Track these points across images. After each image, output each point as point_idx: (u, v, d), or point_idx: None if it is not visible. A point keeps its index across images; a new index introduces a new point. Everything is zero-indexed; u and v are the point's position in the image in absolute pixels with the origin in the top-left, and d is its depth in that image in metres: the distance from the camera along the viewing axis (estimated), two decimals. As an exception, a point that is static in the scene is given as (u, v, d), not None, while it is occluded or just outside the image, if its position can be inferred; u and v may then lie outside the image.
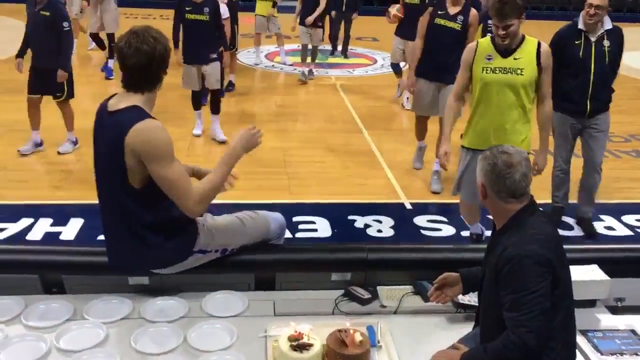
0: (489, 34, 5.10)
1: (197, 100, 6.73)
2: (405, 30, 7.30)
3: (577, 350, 2.31)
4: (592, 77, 4.45)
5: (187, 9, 6.22)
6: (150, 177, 2.45)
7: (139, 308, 2.68)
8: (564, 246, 2.26)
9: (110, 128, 2.45)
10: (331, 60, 11.27)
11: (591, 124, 4.60)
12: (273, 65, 10.70)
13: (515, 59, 3.65)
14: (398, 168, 6.02)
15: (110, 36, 8.83)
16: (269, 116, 7.89)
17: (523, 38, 3.68)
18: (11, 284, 2.75)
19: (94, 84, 8.51)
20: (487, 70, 3.69)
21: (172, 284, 2.79)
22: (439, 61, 5.30)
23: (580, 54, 4.44)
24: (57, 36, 5.63)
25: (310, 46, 9.41)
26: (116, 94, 2.58)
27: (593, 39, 4.43)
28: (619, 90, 4.91)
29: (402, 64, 8.10)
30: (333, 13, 10.69)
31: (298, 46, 12.37)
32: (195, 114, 6.78)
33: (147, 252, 2.60)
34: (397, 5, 7.46)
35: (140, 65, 2.42)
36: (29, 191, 5.26)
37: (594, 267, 2.80)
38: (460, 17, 5.27)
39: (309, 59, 9.54)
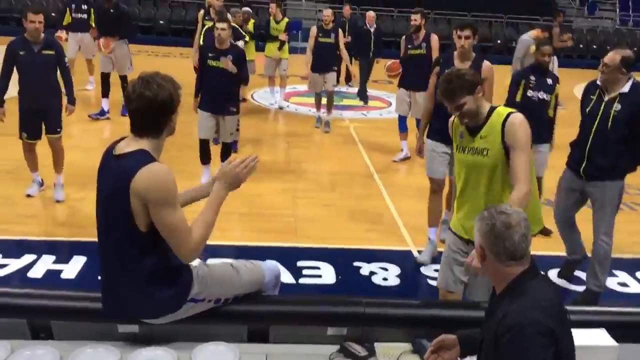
0: (530, 92, 5.25)
1: (205, 153, 6.40)
2: (409, 80, 7.23)
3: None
4: (591, 138, 4.22)
5: (209, 55, 6.14)
6: (153, 222, 2.44)
7: (126, 358, 2.59)
8: (569, 307, 2.16)
9: (116, 171, 2.45)
10: (345, 102, 11.33)
11: (590, 189, 4.32)
12: (288, 106, 10.77)
13: (480, 137, 3.15)
14: (407, 214, 5.93)
15: (124, 78, 8.84)
16: (279, 156, 7.90)
17: (491, 112, 3.16)
18: (-2, 327, 2.70)
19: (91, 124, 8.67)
20: (459, 149, 3.28)
21: (163, 333, 2.71)
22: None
23: (588, 109, 4.28)
24: (61, 73, 5.67)
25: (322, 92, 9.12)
26: (124, 137, 2.59)
27: (606, 98, 4.20)
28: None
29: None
30: (353, 60, 10.33)
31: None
32: (202, 168, 6.41)
33: (142, 301, 2.56)
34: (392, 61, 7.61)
35: (142, 111, 2.44)
36: (35, 227, 5.26)
37: (601, 332, 2.67)
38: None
39: (324, 100, 9.21)
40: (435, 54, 6.87)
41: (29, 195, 5.83)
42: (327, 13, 8.88)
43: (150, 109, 2.43)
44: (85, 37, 9.65)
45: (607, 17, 24.24)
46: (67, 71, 5.78)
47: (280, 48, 9.86)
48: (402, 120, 7.71)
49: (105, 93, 8.90)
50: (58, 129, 5.78)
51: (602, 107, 4.20)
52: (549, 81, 5.38)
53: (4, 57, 5.51)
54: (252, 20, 9.98)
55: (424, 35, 7.10)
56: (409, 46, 7.16)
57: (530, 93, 5.28)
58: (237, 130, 7.03)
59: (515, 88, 5.34)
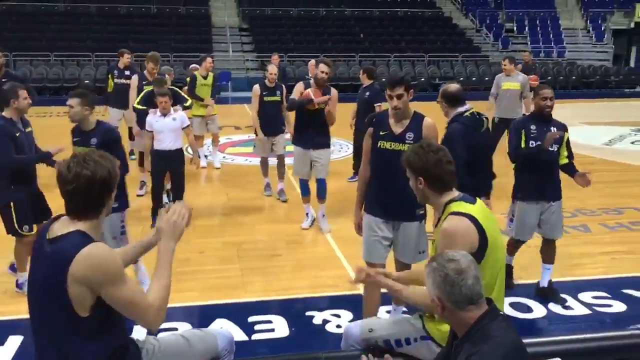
0: (532, 144, 4.78)
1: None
2: (312, 136, 6.65)
3: None
4: None
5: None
6: (97, 304, 2.27)
7: None
8: (527, 340, 2.19)
9: (51, 257, 2.27)
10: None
11: None
12: (224, 157, 10.69)
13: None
14: (354, 257, 5.92)
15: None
16: (222, 209, 7.78)
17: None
18: None
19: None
20: None
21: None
22: (386, 195, 4.11)
23: None
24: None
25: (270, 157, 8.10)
26: (58, 217, 2.43)
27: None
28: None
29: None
30: (353, 122, 8.66)
31: (249, 136, 12.54)
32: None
33: None
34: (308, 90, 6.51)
35: (81, 191, 2.29)
36: (19, 305, 4.90)
37: (558, 361, 2.73)
38: (409, 135, 4.03)
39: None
40: (333, 106, 6.43)
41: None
42: (273, 70, 7.81)
43: (89, 189, 2.29)
44: None
45: (520, 50, 25.74)
46: None
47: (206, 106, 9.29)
48: (303, 183, 6.84)
49: None
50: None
51: None
52: (553, 129, 4.78)
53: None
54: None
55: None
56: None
57: (532, 144, 4.79)
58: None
59: (516, 138, 4.85)
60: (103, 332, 2.33)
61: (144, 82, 8.23)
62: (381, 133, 4.08)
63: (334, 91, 6.60)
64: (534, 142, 4.77)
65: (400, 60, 23.67)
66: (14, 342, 4.34)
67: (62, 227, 2.34)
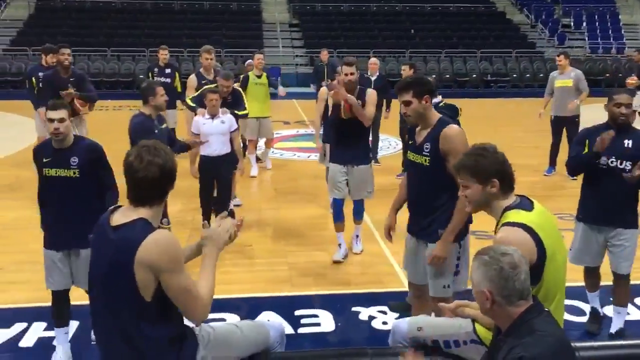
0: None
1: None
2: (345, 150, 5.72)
3: None
4: None
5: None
6: (158, 290, 2.37)
7: None
8: (577, 344, 2.14)
9: (117, 244, 2.38)
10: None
11: None
12: (272, 151, 10.76)
13: None
14: (400, 254, 5.88)
15: None
16: (269, 203, 7.86)
17: None
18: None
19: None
20: None
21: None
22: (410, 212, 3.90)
23: None
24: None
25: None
26: (117, 207, 2.54)
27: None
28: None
29: None
30: (387, 115, 9.02)
31: (297, 131, 12.61)
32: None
33: None
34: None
35: (152, 178, 2.39)
36: (23, 293, 5.13)
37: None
38: (426, 146, 3.63)
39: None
40: (370, 109, 5.45)
41: None
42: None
43: (160, 177, 2.40)
44: None
45: (577, 46, 24.96)
46: None
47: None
48: (337, 204, 5.83)
49: None
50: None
51: None
52: (628, 143, 3.99)
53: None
54: None
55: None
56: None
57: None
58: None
59: (576, 148, 4.26)
60: (165, 317, 2.43)
61: (203, 82, 7.59)
62: (410, 142, 3.85)
63: (370, 92, 5.55)
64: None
65: (451, 57, 23.32)
66: (71, 326, 4.50)
67: (124, 215, 2.44)
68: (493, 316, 2.19)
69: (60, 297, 4.08)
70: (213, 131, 6.04)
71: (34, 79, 8.02)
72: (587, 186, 4.26)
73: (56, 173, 3.86)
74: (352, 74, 5.45)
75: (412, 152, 3.72)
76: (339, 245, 5.86)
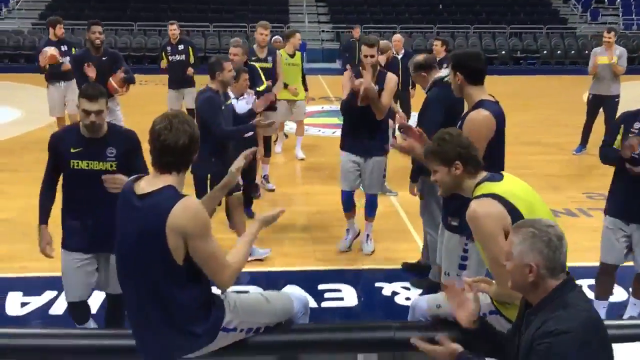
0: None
1: None
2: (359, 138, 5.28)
3: None
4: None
5: None
6: (188, 254, 2.43)
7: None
8: (608, 322, 2.12)
9: (146, 211, 2.43)
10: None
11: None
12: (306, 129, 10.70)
13: None
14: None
15: None
16: (294, 178, 7.87)
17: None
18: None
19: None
20: None
21: (193, 367, 2.67)
22: None
23: None
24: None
25: None
26: (140, 177, 2.58)
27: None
28: None
29: None
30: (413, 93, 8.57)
31: (322, 107, 12.54)
32: None
33: (180, 337, 2.52)
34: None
35: (183, 145, 2.44)
36: (54, 262, 5.22)
37: (641, 346, 2.59)
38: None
39: None
40: (386, 98, 5.05)
41: None
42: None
43: (188, 144, 2.45)
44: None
45: (611, 22, 24.25)
46: None
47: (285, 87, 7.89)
48: (346, 196, 5.43)
49: None
50: None
51: None
52: None
53: None
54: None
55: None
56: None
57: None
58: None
59: (610, 134, 3.98)
60: (195, 281, 2.50)
61: (253, 58, 6.96)
62: None
63: (389, 79, 5.11)
64: None
65: (480, 32, 22.89)
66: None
67: (150, 184, 2.48)
68: (528, 290, 2.14)
69: (81, 306, 3.66)
70: (239, 111, 5.62)
71: None
72: (617, 177, 3.94)
73: (88, 166, 3.40)
74: (372, 56, 4.97)
75: None
76: (347, 230, 5.51)
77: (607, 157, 3.96)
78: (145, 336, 2.56)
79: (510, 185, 2.69)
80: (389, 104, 5.17)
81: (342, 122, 5.48)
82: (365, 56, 4.98)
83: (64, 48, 7.74)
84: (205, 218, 2.45)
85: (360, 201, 5.60)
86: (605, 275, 4.11)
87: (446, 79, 4.32)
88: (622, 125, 3.82)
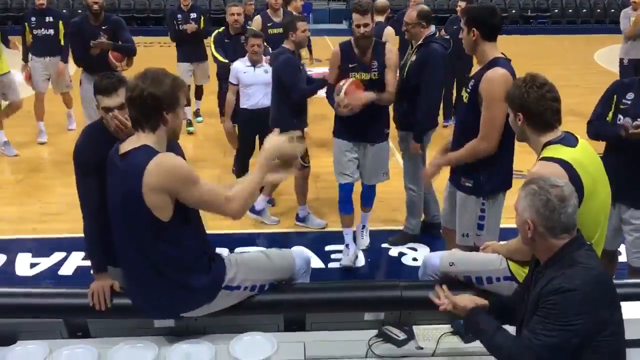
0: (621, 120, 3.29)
1: None
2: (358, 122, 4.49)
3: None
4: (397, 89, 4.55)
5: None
6: (176, 209, 2.42)
7: (164, 352, 2.59)
8: (617, 281, 2.12)
9: (124, 171, 2.42)
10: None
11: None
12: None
13: None
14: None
15: None
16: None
17: None
18: (36, 328, 2.70)
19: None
20: None
21: (199, 326, 2.70)
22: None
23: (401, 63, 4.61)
24: None
25: None
26: (128, 137, 2.56)
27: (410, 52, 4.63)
28: None
29: None
30: None
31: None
32: None
33: (174, 294, 2.53)
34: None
35: (149, 101, 2.38)
36: (63, 224, 5.27)
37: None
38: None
39: None
40: (390, 78, 4.33)
41: None
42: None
43: (152, 100, 2.37)
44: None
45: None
46: None
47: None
48: (344, 190, 4.64)
49: None
50: None
51: (406, 61, 4.52)
52: None
53: None
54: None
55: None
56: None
57: (619, 120, 3.32)
58: None
59: (602, 104, 3.48)
60: (186, 238, 2.49)
61: (268, 25, 6.70)
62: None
63: (389, 52, 4.34)
64: (622, 117, 3.28)
65: (489, -9, 22.37)
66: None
67: (130, 143, 2.47)
68: (533, 247, 2.16)
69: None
70: (254, 81, 5.35)
71: (27, 25, 7.06)
72: (608, 151, 3.43)
73: None
74: (365, 25, 4.16)
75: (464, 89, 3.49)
76: (347, 245, 4.67)
77: (600, 133, 3.42)
78: (143, 292, 2.58)
79: (582, 153, 2.53)
80: (395, 84, 4.39)
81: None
82: (358, 26, 4.16)
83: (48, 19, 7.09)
84: (183, 170, 2.38)
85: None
86: (603, 260, 3.89)
87: (436, 35, 4.39)
88: (615, 96, 3.40)
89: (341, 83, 4.22)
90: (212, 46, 6.61)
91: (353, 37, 4.31)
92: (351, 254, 4.62)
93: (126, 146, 2.46)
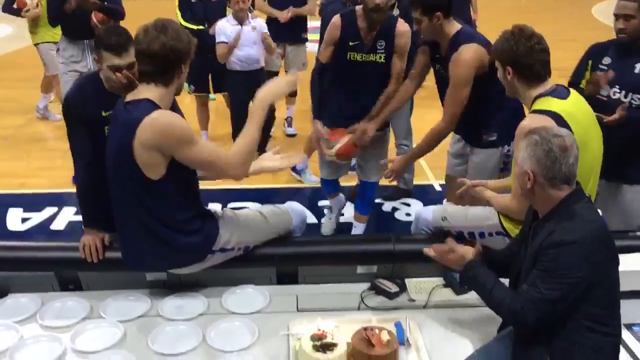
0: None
1: None
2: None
3: (621, 346, 2.16)
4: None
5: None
6: (168, 169, 2.36)
7: (156, 305, 2.60)
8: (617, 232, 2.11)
9: (122, 121, 2.36)
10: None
11: None
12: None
13: None
14: (439, 168, 5.73)
15: None
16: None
17: None
18: (27, 281, 2.70)
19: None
20: None
21: (191, 279, 2.70)
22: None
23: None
24: None
25: None
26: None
27: None
28: None
29: None
30: None
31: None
32: None
33: (164, 251, 2.49)
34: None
35: (157, 53, 2.29)
36: (54, 179, 5.23)
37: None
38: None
39: None
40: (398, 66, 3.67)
41: None
42: None
43: (162, 52, 2.30)
44: None
45: None
46: None
47: None
48: (328, 185, 4.28)
49: None
50: None
51: None
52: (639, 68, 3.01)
53: None
54: None
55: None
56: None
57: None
58: None
59: (578, 68, 3.29)
60: (177, 196, 2.43)
61: None
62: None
63: (400, 37, 3.58)
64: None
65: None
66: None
67: (134, 94, 2.41)
68: (532, 199, 2.13)
69: None
70: (242, 40, 5.07)
71: None
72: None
73: None
74: (381, 2, 3.42)
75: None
76: (329, 209, 4.32)
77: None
78: (133, 248, 2.54)
79: (573, 105, 2.49)
80: (403, 70, 3.69)
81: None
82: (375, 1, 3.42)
83: None
84: (178, 127, 2.30)
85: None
86: None
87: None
88: (590, 61, 3.20)
89: (335, 140, 3.69)
90: (178, 12, 5.50)
91: (363, 6, 3.51)
92: (332, 220, 4.35)
93: (132, 95, 2.40)
